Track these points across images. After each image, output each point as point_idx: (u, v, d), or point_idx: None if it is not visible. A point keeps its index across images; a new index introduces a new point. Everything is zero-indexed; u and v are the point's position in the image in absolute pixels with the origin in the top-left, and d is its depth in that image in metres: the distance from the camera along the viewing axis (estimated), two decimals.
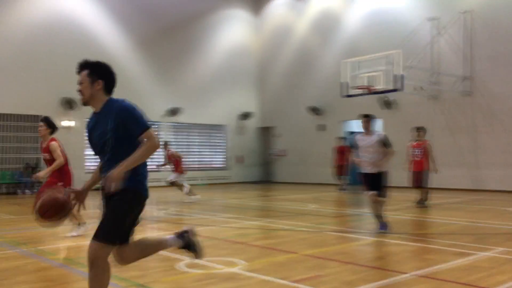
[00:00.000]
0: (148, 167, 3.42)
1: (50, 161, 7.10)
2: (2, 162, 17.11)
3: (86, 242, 7.15)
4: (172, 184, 13.59)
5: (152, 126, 3.38)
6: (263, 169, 24.12)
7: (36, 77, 17.69)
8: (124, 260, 3.51)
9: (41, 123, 7.16)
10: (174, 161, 13.55)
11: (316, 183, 20.29)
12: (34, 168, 17.47)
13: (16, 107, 17.21)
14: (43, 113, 17.95)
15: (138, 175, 3.29)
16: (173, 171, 13.59)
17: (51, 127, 7.16)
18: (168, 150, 13.75)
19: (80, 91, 3.38)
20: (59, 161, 6.99)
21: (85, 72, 3.38)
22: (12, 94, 17.10)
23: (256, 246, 6.67)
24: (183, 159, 13.90)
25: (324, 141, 20.36)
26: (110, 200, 3.28)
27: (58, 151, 6.99)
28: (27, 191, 16.85)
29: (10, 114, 17.22)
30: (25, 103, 17.33)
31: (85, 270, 5.18)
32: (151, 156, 3.27)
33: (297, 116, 22.21)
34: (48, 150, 7.04)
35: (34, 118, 17.93)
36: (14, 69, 17.31)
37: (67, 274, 5.13)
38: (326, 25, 21.42)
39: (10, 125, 17.32)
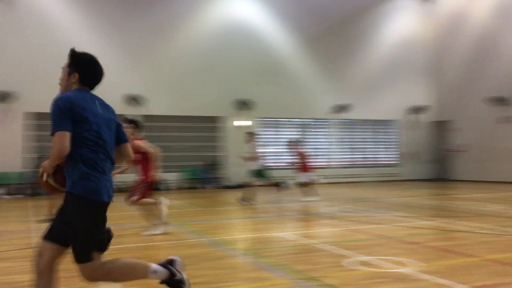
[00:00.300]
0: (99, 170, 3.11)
1: (139, 161, 7.42)
2: (185, 160, 19.06)
3: (262, 234, 7.62)
4: (305, 184, 13.13)
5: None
6: (439, 166, 22.71)
7: (212, 81, 19.35)
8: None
9: (126, 124, 7.38)
10: (301, 160, 13.26)
11: (501, 182, 18.39)
12: (213, 165, 19.12)
13: (195, 109, 19.05)
14: (218, 114, 19.67)
15: (81, 179, 3.04)
16: (299, 170, 13.30)
17: (137, 127, 7.50)
18: (298, 149, 13.53)
19: (60, 80, 3.30)
20: (154, 150, 7.43)
21: (67, 62, 3.29)
22: (192, 97, 18.97)
23: (430, 247, 6.34)
24: (308, 159, 13.48)
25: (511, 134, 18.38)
26: (65, 207, 3.13)
27: (146, 146, 7.31)
28: (207, 186, 18.51)
29: (190, 116, 19.11)
30: (203, 105, 19.09)
31: (260, 260, 5.54)
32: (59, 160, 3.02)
33: (477, 108, 20.41)
34: (134, 150, 7.54)
35: (211, 119, 19.62)
36: (194, 75, 19.19)
37: (242, 264, 5.52)
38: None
39: (190, 126, 19.24)
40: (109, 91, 17.37)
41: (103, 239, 3.20)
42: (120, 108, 17.86)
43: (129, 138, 7.50)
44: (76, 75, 3.23)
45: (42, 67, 16.81)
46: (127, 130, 7.43)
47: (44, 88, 16.61)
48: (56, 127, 2.97)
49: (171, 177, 18.53)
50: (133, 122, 7.50)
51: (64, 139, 2.96)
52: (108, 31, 18.03)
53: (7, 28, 16.75)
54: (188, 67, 19.13)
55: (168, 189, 17.92)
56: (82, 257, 3.08)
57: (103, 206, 3.15)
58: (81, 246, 3.08)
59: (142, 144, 7.31)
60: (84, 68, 3.26)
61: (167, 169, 18.79)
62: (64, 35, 17.21)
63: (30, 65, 16.82)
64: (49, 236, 3.16)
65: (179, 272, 3.51)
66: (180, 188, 18.41)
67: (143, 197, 7.38)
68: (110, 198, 3.19)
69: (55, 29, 17.31)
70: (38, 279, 3.12)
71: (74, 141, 3.04)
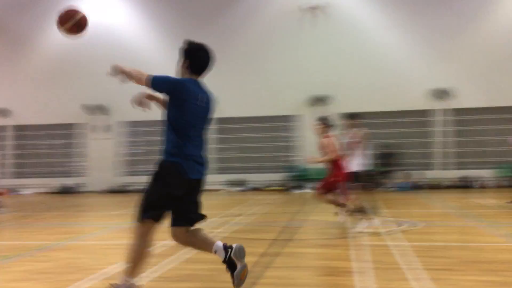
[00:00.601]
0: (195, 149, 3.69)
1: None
2: (502, 156, 17.31)
3: None
4: None
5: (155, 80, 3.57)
6: None
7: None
8: (176, 240, 3.84)
9: (318, 122, 7.99)
10: None
11: None
12: None
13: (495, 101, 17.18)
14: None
15: (177, 151, 3.61)
16: None
17: (327, 125, 7.92)
18: None
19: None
20: (328, 156, 7.71)
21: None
22: (506, 86, 17.17)
23: None
24: None
25: None
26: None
27: (330, 147, 7.70)
28: None
29: (507, 107, 17.34)
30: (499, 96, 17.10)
31: None
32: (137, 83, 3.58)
33: None
34: (322, 147, 7.83)
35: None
36: (507, 61, 17.32)
37: None
38: None
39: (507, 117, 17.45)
40: (413, 86, 17.52)
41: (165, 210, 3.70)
42: (424, 103, 17.59)
43: (319, 135, 7.96)
44: (186, 61, 3.75)
45: (352, 70, 18.07)
46: (317, 127, 7.99)
47: (354, 90, 17.92)
48: (157, 77, 3.57)
49: (486, 174, 17.15)
50: (323, 120, 8.04)
51: (146, 83, 3.56)
52: (410, 27, 18.00)
53: (320, 37, 18.58)
54: (501, 53, 17.35)
55: (483, 187, 16.66)
56: (136, 215, 3.68)
57: (185, 182, 3.65)
58: (142, 205, 3.68)
59: (327, 143, 7.79)
60: (192, 56, 3.74)
61: (481, 165, 17.48)
62: (369, 37, 18.04)
63: (342, 69, 18.24)
64: None
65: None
66: (497, 186, 16.84)
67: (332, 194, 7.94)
68: (191, 176, 3.67)
69: (361, 32, 18.27)
70: None
71: (174, 122, 3.66)
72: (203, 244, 3.85)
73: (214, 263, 4.43)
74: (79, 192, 19.55)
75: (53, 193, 19.63)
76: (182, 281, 4.55)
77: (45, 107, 20.38)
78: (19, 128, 20.92)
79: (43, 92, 20.42)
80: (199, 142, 3.80)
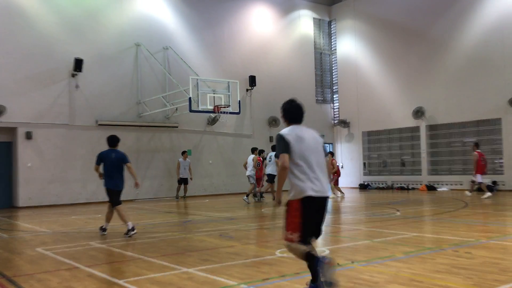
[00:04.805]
0: None
1: None
2: None
3: None
4: None
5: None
6: None
7: None
8: None
9: None
10: None
11: None
12: None
13: None
14: None
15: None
16: None
17: None
18: None
19: None
20: None
21: None
22: None
23: None
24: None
25: None
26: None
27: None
28: None
29: None
30: None
31: None
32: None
33: None
34: None
35: None
36: None
37: None
38: None
39: None
40: None
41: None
42: None
43: None
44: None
45: None
46: None
47: None
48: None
49: None
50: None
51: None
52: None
53: None
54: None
55: None
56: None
57: None
58: None
59: None
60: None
61: None
62: None
63: None
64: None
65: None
66: None
67: None
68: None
69: None
70: None
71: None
72: None
73: None
74: (497, 191, 18.78)
75: (471, 190, 19.60)
76: None
77: (456, 105, 20.58)
78: (432, 127, 21.84)
79: (454, 91, 20.67)
80: None
